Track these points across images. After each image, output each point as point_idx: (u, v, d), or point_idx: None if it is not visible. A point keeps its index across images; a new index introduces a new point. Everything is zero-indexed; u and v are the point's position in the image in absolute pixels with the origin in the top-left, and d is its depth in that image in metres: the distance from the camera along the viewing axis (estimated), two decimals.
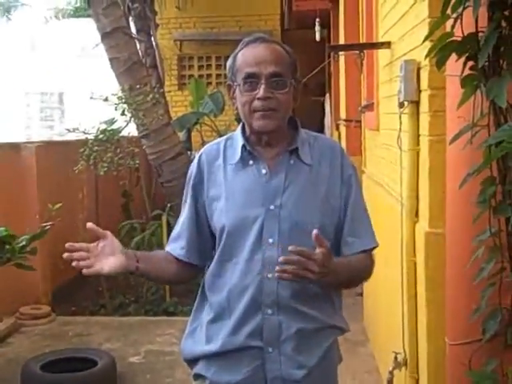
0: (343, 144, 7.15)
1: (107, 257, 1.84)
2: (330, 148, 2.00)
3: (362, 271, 1.98)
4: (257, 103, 1.86)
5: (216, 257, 1.97)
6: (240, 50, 1.93)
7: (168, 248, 2.05)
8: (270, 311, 1.88)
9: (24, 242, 3.67)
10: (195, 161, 2.02)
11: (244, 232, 1.89)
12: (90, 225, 1.85)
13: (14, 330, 5.40)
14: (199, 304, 2.05)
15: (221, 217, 1.92)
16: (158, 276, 2.05)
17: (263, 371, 1.89)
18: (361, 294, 5.38)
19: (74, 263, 1.79)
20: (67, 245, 1.80)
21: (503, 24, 1.78)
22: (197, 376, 2.01)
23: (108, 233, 1.86)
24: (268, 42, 1.92)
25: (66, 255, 1.79)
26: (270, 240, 1.87)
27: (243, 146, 1.93)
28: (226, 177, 1.94)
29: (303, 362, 1.90)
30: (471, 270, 1.93)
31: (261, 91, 1.85)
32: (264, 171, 1.91)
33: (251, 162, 1.93)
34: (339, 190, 1.94)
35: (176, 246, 2.02)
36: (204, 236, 2.00)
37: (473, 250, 1.93)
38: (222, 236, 1.92)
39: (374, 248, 2.00)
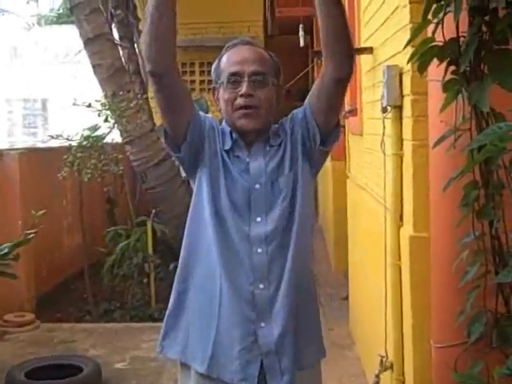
0: None
1: None
2: (282, 121, 2.05)
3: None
4: (239, 100, 1.92)
5: (200, 237, 1.96)
6: (225, 53, 2.02)
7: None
8: (261, 286, 1.91)
9: (6, 250, 3.66)
10: (214, 121, 2.02)
11: (229, 216, 1.92)
12: None
13: None
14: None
15: (204, 201, 1.93)
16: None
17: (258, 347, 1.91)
18: (346, 298, 5.38)
19: None
20: None
21: (484, 29, 1.80)
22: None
23: None
24: (251, 44, 2.02)
25: None
26: (258, 219, 1.92)
27: (230, 133, 1.98)
28: (216, 157, 1.96)
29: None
30: (456, 274, 1.95)
31: (243, 88, 1.92)
32: (247, 159, 1.97)
33: (236, 154, 1.98)
34: (300, 139, 1.99)
35: None
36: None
37: (457, 254, 1.94)
38: (207, 221, 1.93)
39: None
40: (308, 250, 2.03)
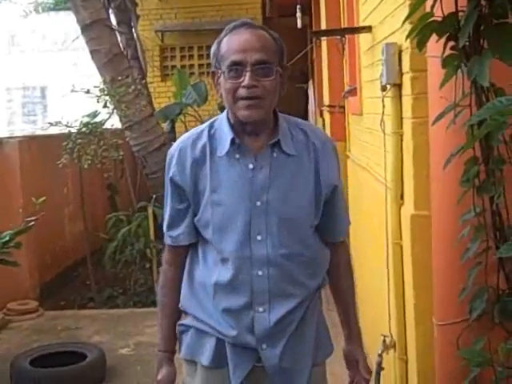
0: (327, 130, 7.15)
1: None
2: (311, 139, 1.95)
3: (352, 279, 2.14)
4: (241, 91, 1.80)
5: (199, 250, 1.94)
6: (225, 36, 1.87)
7: (170, 241, 1.99)
8: (261, 309, 1.87)
9: (7, 238, 3.65)
10: (175, 151, 1.92)
11: (230, 228, 1.85)
12: None
13: (2, 326, 5.38)
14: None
15: (207, 211, 1.87)
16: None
17: (261, 367, 1.91)
18: None
19: None
20: None
21: (483, 3, 1.77)
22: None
23: None
24: (254, 28, 1.86)
25: None
26: (259, 237, 1.85)
27: (232, 139, 1.86)
28: (211, 169, 1.87)
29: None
30: (457, 251, 1.94)
31: (246, 79, 1.79)
32: (251, 166, 1.86)
33: (237, 156, 1.87)
34: (322, 178, 1.92)
35: (174, 237, 1.97)
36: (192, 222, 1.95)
37: (458, 231, 1.93)
38: (208, 231, 1.88)
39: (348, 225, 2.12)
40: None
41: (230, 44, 1.84)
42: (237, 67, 1.80)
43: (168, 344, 2.04)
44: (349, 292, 2.12)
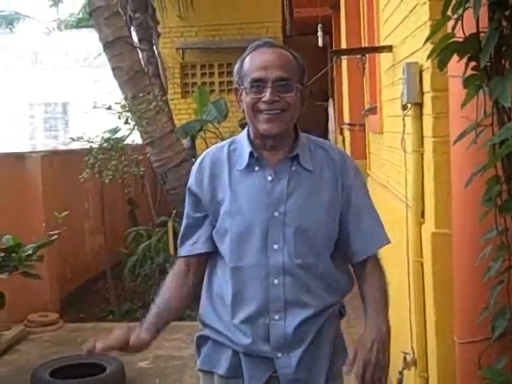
0: (347, 148, 7.17)
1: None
2: (331, 154, 2.00)
3: (385, 290, 2.01)
4: (262, 105, 1.87)
5: (217, 261, 1.98)
6: (248, 55, 1.94)
7: (183, 252, 2.02)
8: (276, 317, 1.90)
9: (30, 251, 3.70)
10: (195, 166, 2.02)
11: (248, 237, 1.90)
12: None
13: (23, 338, 5.42)
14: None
15: (225, 221, 1.92)
16: (176, 313, 2.07)
17: (276, 377, 1.92)
18: None
19: None
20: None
21: (504, 24, 1.79)
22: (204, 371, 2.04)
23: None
24: (276, 47, 1.93)
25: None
26: (275, 246, 1.89)
27: (251, 153, 1.93)
28: (231, 181, 1.94)
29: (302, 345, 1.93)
30: (479, 269, 1.95)
31: (267, 95, 1.86)
32: (270, 178, 1.92)
33: (257, 168, 1.93)
34: (341, 197, 1.96)
35: (188, 247, 2.01)
36: (211, 232, 1.99)
37: (480, 249, 1.94)
38: (226, 240, 1.93)
39: (386, 244, 2.04)
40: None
41: (253, 62, 1.91)
42: (258, 83, 1.87)
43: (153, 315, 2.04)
44: (377, 293, 2.00)
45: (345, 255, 2.02)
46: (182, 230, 2.06)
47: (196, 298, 2.07)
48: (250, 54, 1.93)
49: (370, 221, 2.03)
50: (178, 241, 2.06)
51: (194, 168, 2.02)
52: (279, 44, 2.00)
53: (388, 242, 2.05)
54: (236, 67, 1.98)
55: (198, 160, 2.03)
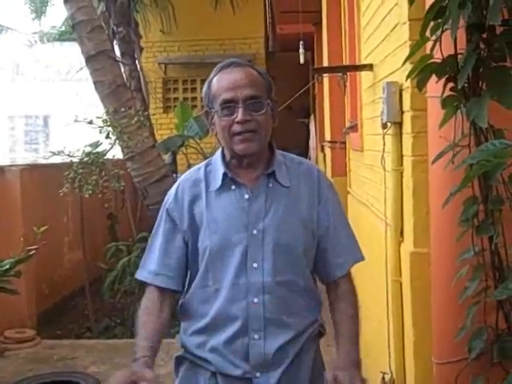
0: (328, 165, 7.19)
1: None
2: (307, 171, 2.02)
3: (357, 317, 2.03)
4: (236, 127, 1.87)
5: (195, 282, 1.96)
6: (214, 76, 1.94)
7: (143, 276, 1.99)
8: (256, 336, 1.88)
9: (8, 266, 3.65)
10: (173, 189, 2.01)
11: (227, 257, 1.89)
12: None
13: None
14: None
15: (204, 241, 1.91)
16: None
17: None
18: None
19: None
20: None
21: (481, 46, 1.81)
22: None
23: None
24: (241, 66, 1.94)
25: None
26: (254, 265, 1.88)
27: (224, 174, 1.93)
28: (208, 203, 1.93)
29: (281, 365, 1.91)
30: (456, 289, 1.95)
31: (239, 115, 1.86)
32: (246, 196, 1.92)
33: (233, 187, 1.93)
34: (317, 213, 1.96)
35: (152, 274, 1.97)
36: (181, 261, 1.98)
37: (457, 269, 1.94)
38: (203, 261, 1.91)
39: (360, 261, 2.06)
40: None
41: (220, 83, 1.91)
42: (229, 104, 1.88)
43: (148, 352, 1.94)
44: (349, 321, 2.02)
45: (319, 273, 2.01)
46: (150, 254, 2.01)
47: (172, 314, 2.03)
48: (217, 76, 1.94)
49: (345, 237, 2.04)
50: (142, 261, 2.02)
51: (172, 192, 2.00)
52: (244, 62, 2.00)
53: (363, 258, 2.07)
54: (204, 90, 1.98)
55: (175, 185, 2.02)
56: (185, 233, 1.96)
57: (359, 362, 1.98)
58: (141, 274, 2.00)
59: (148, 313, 1.95)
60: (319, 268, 2.00)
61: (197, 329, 1.95)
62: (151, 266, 1.98)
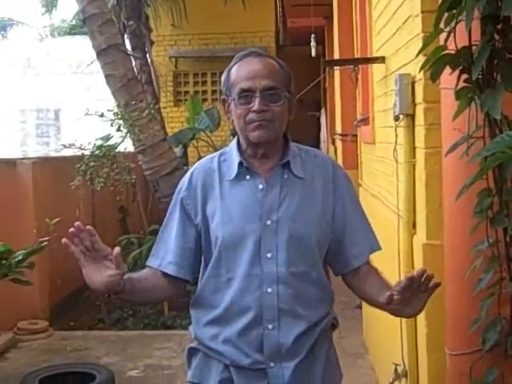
0: (339, 158, 7.19)
1: (103, 267, 1.79)
2: (322, 162, 2.01)
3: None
4: (252, 116, 1.87)
5: (208, 272, 1.96)
6: (234, 65, 1.94)
7: (155, 264, 1.99)
8: (270, 326, 1.89)
9: (21, 257, 3.67)
10: (186, 177, 2.01)
11: (240, 247, 1.89)
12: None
13: (12, 345, 5.38)
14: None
15: (217, 231, 1.91)
16: (145, 295, 1.98)
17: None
18: (359, 307, 5.38)
19: (71, 247, 1.74)
20: (76, 224, 1.74)
21: (496, 37, 1.81)
22: None
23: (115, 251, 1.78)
24: (261, 56, 1.94)
25: (64, 240, 1.74)
26: (268, 255, 1.88)
27: (240, 163, 1.93)
28: (222, 192, 1.93)
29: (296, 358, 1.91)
30: (470, 281, 1.95)
31: (256, 104, 1.86)
32: (261, 186, 1.91)
33: (248, 177, 1.93)
34: (332, 205, 1.96)
35: (165, 262, 1.97)
36: (193, 250, 1.98)
37: (471, 261, 1.94)
38: (216, 250, 1.91)
39: (377, 250, 2.03)
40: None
41: (239, 72, 1.91)
42: (246, 93, 1.88)
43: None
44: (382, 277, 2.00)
45: (334, 263, 2.01)
46: (160, 241, 2.02)
47: (186, 305, 2.03)
48: (237, 65, 1.94)
49: (361, 228, 2.03)
50: (155, 249, 2.03)
51: (186, 181, 2.00)
52: (264, 53, 2.00)
53: (380, 248, 2.05)
54: (223, 78, 1.98)
55: (189, 172, 2.02)
56: (198, 222, 1.96)
57: None
58: (153, 262, 2.01)
59: (147, 277, 1.97)
60: (335, 259, 1.99)
61: (209, 320, 1.95)
62: (164, 255, 1.99)
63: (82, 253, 1.77)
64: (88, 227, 1.76)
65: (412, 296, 1.77)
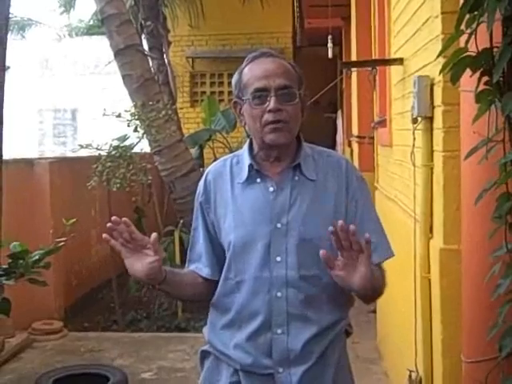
0: (355, 160, 7.15)
1: (143, 256, 1.80)
2: (335, 163, 1.98)
3: (382, 282, 1.92)
4: (268, 116, 1.85)
5: (222, 275, 1.95)
6: (245, 66, 1.93)
7: (192, 267, 2.03)
8: (279, 331, 1.87)
9: (37, 257, 3.67)
10: (202, 180, 2.02)
11: (250, 250, 1.88)
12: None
13: (27, 346, 5.41)
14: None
15: (228, 234, 1.91)
16: (184, 289, 2.00)
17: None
18: (374, 311, 5.34)
19: (111, 241, 1.78)
20: (113, 218, 1.78)
21: None
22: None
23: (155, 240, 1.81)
24: (273, 57, 1.93)
25: (104, 235, 1.78)
26: (278, 258, 1.86)
27: (250, 165, 1.92)
28: (233, 195, 1.93)
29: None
30: (487, 287, 1.92)
31: (271, 103, 1.84)
32: (271, 189, 1.90)
33: (259, 180, 1.92)
34: (345, 206, 1.93)
35: (200, 265, 2.00)
36: (220, 252, 1.98)
37: (489, 267, 1.91)
38: (229, 253, 1.92)
39: (390, 257, 1.98)
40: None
41: (253, 72, 1.90)
42: (261, 93, 1.86)
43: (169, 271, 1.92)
44: (377, 272, 1.89)
45: None
46: (193, 244, 2.06)
47: (199, 308, 2.04)
48: (249, 65, 1.92)
49: (374, 233, 1.97)
50: (190, 253, 2.06)
51: (201, 184, 2.02)
52: (276, 53, 1.99)
53: (392, 254, 1.99)
54: (234, 79, 1.96)
55: (204, 175, 2.03)
56: (214, 225, 1.97)
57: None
58: (188, 266, 2.05)
59: (186, 272, 2.01)
60: None
61: (223, 324, 1.94)
62: (197, 258, 2.02)
63: (123, 245, 1.80)
64: (124, 219, 1.78)
65: (351, 260, 1.71)
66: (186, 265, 2.06)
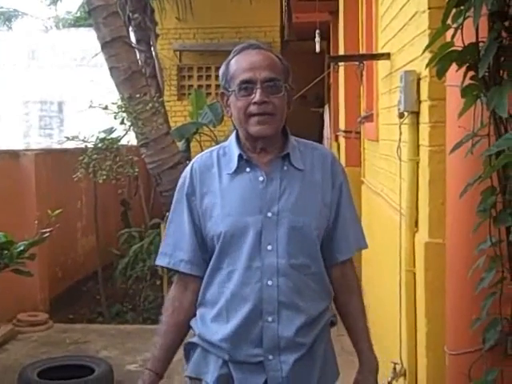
0: (342, 155, 7.17)
1: None
2: (321, 156, 2.01)
3: (364, 306, 2.10)
4: (253, 108, 1.87)
5: (210, 265, 1.95)
6: (233, 58, 1.95)
7: (164, 262, 2.00)
8: (270, 318, 1.88)
9: (22, 248, 3.66)
10: (187, 171, 2.00)
11: (241, 239, 1.89)
12: None
13: (11, 337, 5.39)
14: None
15: (217, 224, 1.91)
16: (179, 345, 2.04)
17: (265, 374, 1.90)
18: None
19: None
20: None
21: (503, 34, 1.79)
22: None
23: None
24: (260, 49, 1.95)
25: None
26: (269, 247, 1.88)
27: (240, 156, 1.93)
28: (221, 185, 1.93)
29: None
30: (472, 280, 1.94)
31: (257, 95, 1.86)
32: (261, 178, 1.91)
33: (248, 170, 1.93)
34: (330, 197, 1.97)
35: (176, 259, 1.98)
36: (203, 247, 1.97)
37: (473, 260, 1.93)
38: (218, 243, 1.91)
39: (363, 248, 2.10)
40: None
41: (239, 64, 1.91)
42: (247, 85, 1.88)
43: (158, 366, 2.03)
44: (359, 316, 2.09)
45: (323, 255, 2.00)
46: (167, 238, 2.03)
47: None
48: (236, 57, 1.94)
49: (352, 223, 2.05)
50: (164, 248, 2.02)
51: (187, 176, 1.99)
52: (263, 45, 1.99)
53: (366, 246, 2.12)
54: (221, 71, 1.97)
55: (188, 168, 2.01)
56: (199, 217, 1.96)
57: (377, 366, 2.09)
58: (162, 260, 2.02)
59: (173, 311, 2.01)
60: (322, 251, 1.99)
61: (213, 315, 1.94)
62: (173, 252, 1.99)
63: None
64: None
65: None
66: (158, 258, 2.03)
